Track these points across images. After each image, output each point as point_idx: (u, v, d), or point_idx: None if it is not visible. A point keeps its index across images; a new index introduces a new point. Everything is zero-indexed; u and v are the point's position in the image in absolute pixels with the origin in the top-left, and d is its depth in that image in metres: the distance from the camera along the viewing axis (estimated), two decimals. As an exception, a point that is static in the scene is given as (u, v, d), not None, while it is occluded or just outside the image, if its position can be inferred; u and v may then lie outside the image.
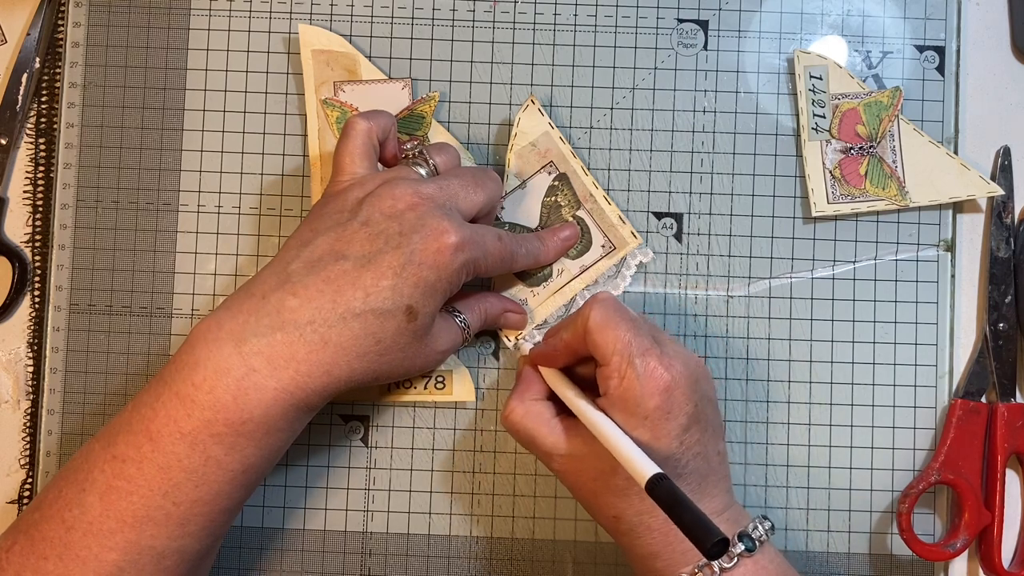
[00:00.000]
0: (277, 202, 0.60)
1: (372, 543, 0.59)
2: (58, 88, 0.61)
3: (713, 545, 0.41)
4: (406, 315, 0.49)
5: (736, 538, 0.49)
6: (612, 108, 0.60)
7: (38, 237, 0.60)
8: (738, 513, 0.52)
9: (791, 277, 0.60)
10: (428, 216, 0.49)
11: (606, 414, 0.50)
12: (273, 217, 0.60)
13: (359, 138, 0.53)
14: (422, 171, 0.53)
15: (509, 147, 0.59)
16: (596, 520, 0.53)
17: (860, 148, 0.59)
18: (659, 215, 0.60)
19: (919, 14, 0.61)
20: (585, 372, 0.54)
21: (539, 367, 0.55)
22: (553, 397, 0.54)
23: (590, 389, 0.52)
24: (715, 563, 0.48)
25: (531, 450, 0.54)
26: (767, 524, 0.50)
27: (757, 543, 0.49)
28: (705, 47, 0.60)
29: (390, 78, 0.60)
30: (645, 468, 0.45)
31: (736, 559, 0.49)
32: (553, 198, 0.59)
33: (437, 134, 0.59)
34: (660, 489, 0.44)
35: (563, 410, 0.53)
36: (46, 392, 0.59)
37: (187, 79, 0.60)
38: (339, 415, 0.59)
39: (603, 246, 0.59)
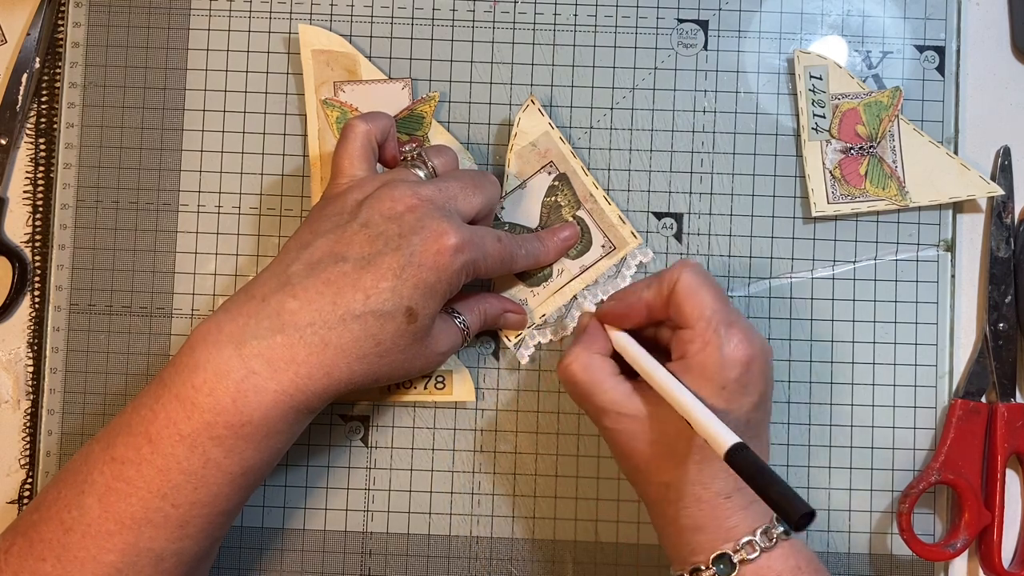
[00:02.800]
0: (277, 202, 0.60)
1: (372, 543, 0.59)
2: (58, 88, 0.61)
3: (801, 517, 0.41)
4: (406, 317, 0.49)
5: (774, 520, 0.49)
6: (612, 108, 0.60)
7: (38, 237, 0.60)
8: None
9: (791, 277, 0.60)
10: (427, 218, 0.49)
11: (677, 379, 0.49)
12: (273, 217, 0.60)
13: (358, 140, 0.53)
14: (421, 173, 0.53)
15: (509, 147, 0.59)
16: (638, 486, 0.52)
17: (860, 148, 0.59)
18: (659, 215, 0.60)
19: (919, 14, 0.61)
20: (649, 335, 0.54)
21: (606, 325, 0.55)
22: (615, 356, 0.54)
23: (653, 354, 0.52)
24: (756, 541, 0.48)
25: (583, 404, 0.53)
26: None
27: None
28: (705, 47, 0.60)
29: (390, 78, 0.60)
30: (726, 437, 0.44)
31: (775, 540, 0.48)
32: (553, 198, 0.59)
33: (437, 134, 0.60)
34: (742, 458, 0.43)
35: (624, 370, 0.53)
36: (46, 392, 0.59)
37: (187, 79, 0.60)
38: (339, 415, 0.60)
39: (603, 246, 0.59)
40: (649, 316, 0.53)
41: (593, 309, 0.57)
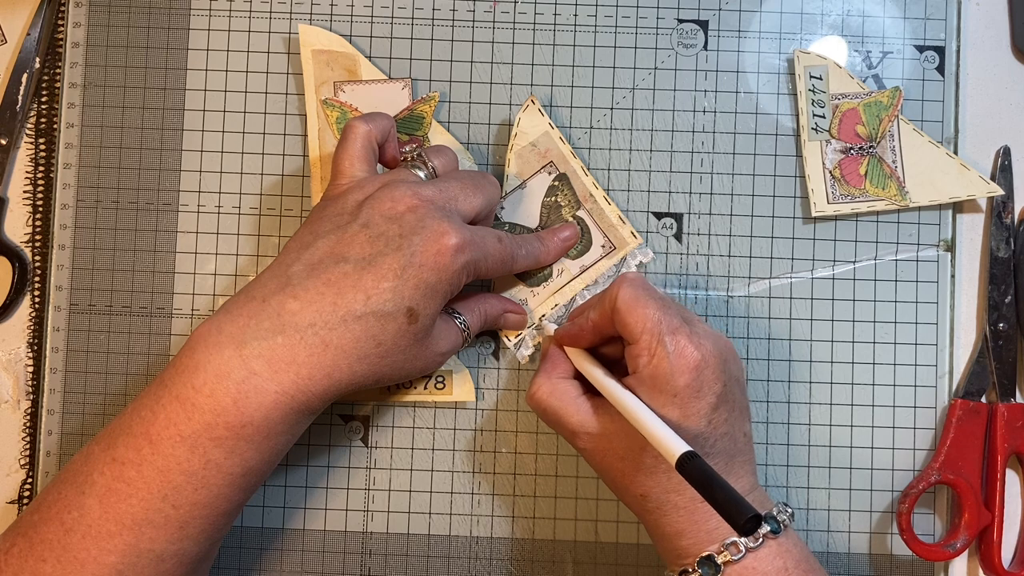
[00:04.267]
0: (277, 202, 0.60)
1: (372, 543, 0.59)
2: (58, 88, 0.61)
3: (746, 521, 0.41)
4: (407, 317, 0.49)
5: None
6: (612, 108, 0.60)
7: (38, 237, 0.60)
8: (762, 496, 0.52)
9: (791, 277, 0.60)
10: (428, 218, 0.49)
11: (633, 393, 0.50)
12: (273, 217, 0.60)
13: (358, 141, 0.53)
14: (421, 173, 0.53)
15: (509, 147, 0.59)
16: (622, 499, 0.53)
17: (860, 148, 0.59)
18: (659, 215, 0.60)
19: (919, 14, 0.61)
20: (610, 352, 0.55)
21: (565, 347, 0.55)
22: (579, 376, 0.55)
23: (615, 369, 0.53)
24: (741, 542, 0.49)
25: (556, 429, 0.54)
26: (789, 511, 0.51)
27: (782, 526, 0.50)
28: (705, 47, 0.60)
29: (390, 78, 0.60)
30: (675, 447, 0.45)
31: (761, 539, 0.49)
32: (553, 198, 0.59)
33: (437, 134, 0.59)
34: (691, 467, 0.44)
35: (589, 389, 0.54)
36: (46, 392, 0.59)
37: (187, 79, 0.60)
38: (339, 415, 0.60)
39: (603, 246, 0.59)
40: (599, 335, 0.54)
41: (553, 332, 0.57)
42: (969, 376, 0.60)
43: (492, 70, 0.60)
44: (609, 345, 0.55)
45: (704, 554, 0.49)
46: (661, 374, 0.49)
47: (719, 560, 0.49)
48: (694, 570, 0.49)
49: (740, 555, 0.49)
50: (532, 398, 0.54)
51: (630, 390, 0.50)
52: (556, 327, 0.57)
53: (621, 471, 0.51)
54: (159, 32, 0.60)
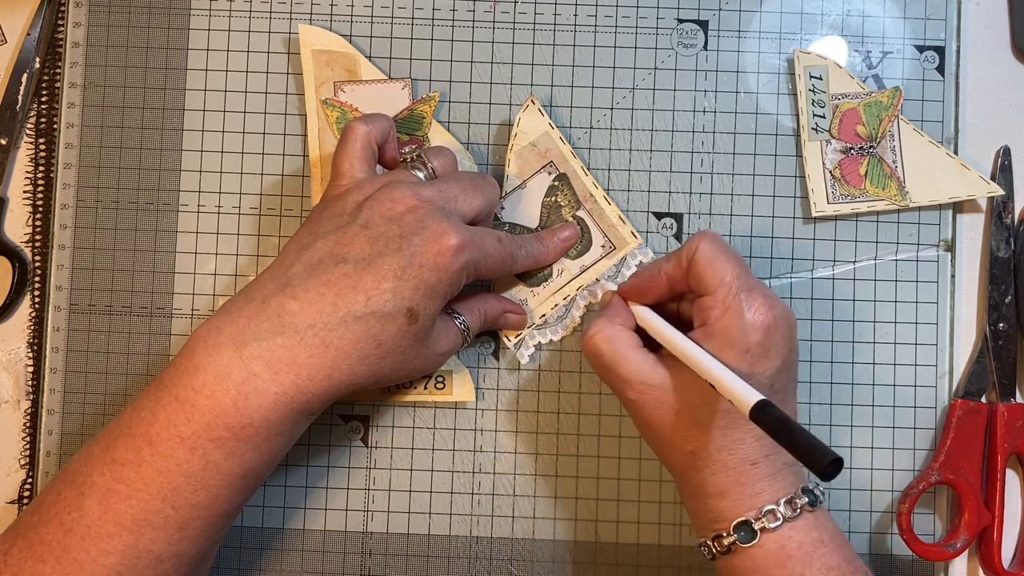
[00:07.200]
0: (277, 202, 0.60)
1: (372, 543, 0.59)
2: (58, 88, 0.61)
3: (828, 464, 0.41)
4: (407, 317, 0.49)
5: (800, 491, 0.49)
6: (612, 108, 0.60)
7: (38, 237, 0.60)
8: (800, 470, 0.52)
9: (791, 277, 0.60)
10: (428, 218, 0.49)
11: (699, 346, 0.50)
12: (273, 217, 0.60)
13: (358, 142, 0.53)
14: (420, 174, 0.53)
15: (509, 147, 0.59)
16: (665, 456, 0.53)
17: (860, 148, 0.59)
18: (659, 215, 0.60)
19: (919, 14, 0.60)
20: (672, 309, 0.55)
21: (628, 301, 0.55)
22: (638, 331, 0.54)
23: (675, 327, 0.52)
24: (779, 511, 0.48)
25: (605, 376, 0.53)
26: (821, 488, 0.51)
27: (819, 500, 0.50)
28: (705, 47, 0.60)
29: (390, 78, 0.60)
30: (749, 395, 0.45)
31: (799, 511, 0.49)
32: (553, 198, 0.59)
33: (437, 134, 0.59)
34: (767, 414, 0.44)
35: (646, 344, 0.53)
36: (46, 392, 0.59)
37: (187, 79, 0.60)
38: (339, 415, 0.60)
39: (603, 246, 0.59)
40: (670, 288, 0.53)
41: (615, 288, 0.57)
42: (969, 376, 0.60)
43: (492, 70, 0.60)
44: (672, 303, 0.55)
45: (741, 519, 0.49)
46: (733, 328, 0.49)
47: (756, 526, 0.49)
48: (729, 534, 0.49)
49: (777, 523, 0.48)
50: (589, 340, 0.53)
51: (695, 343, 0.50)
52: (616, 285, 0.57)
53: (674, 425, 0.51)
54: (159, 32, 0.60)
